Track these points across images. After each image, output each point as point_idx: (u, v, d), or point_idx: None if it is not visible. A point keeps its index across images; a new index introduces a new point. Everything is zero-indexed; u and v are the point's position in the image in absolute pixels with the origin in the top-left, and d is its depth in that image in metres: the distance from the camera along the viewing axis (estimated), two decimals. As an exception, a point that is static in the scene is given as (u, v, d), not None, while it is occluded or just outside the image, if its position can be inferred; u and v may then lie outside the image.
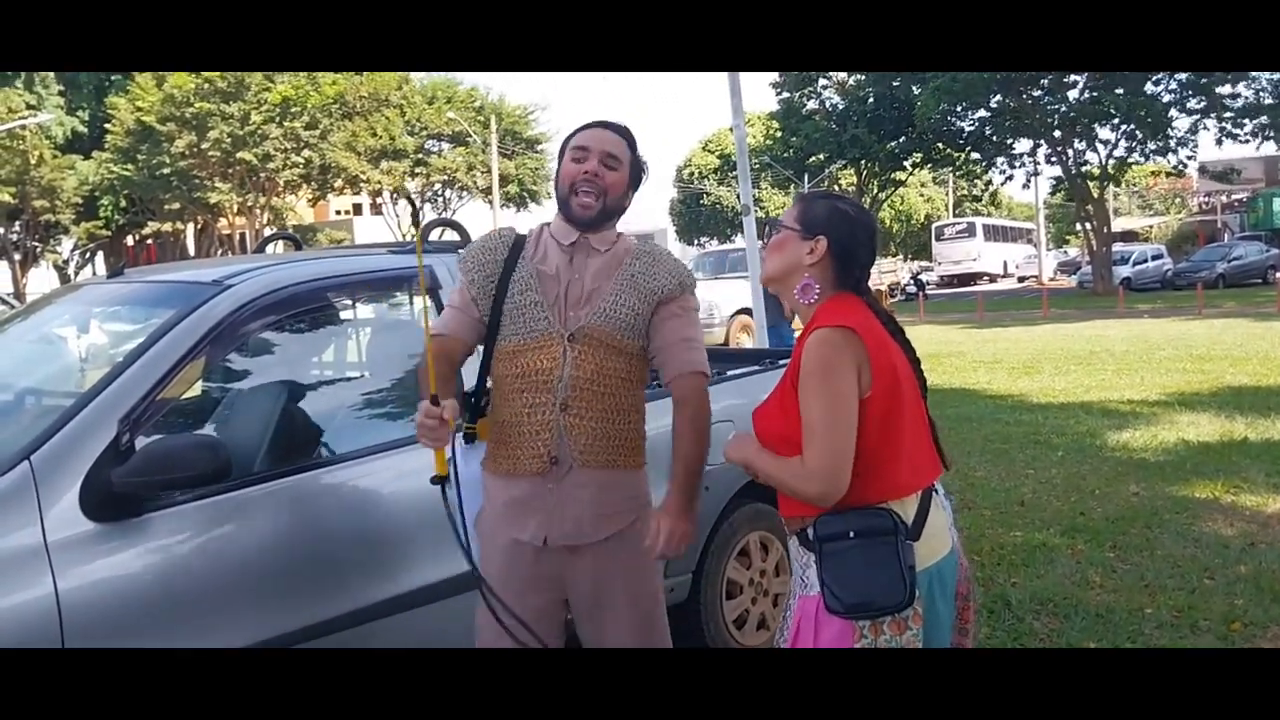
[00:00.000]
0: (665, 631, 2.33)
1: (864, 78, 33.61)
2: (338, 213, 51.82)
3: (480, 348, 2.29)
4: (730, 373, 3.68)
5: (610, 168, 2.20)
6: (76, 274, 37.21)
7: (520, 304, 2.19)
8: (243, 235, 35.93)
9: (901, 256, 51.34)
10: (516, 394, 2.17)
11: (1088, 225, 30.13)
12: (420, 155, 35.69)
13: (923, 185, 55.15)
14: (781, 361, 3.93)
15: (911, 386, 1.94)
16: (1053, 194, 33.43)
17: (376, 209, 41.28)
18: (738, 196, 7.27)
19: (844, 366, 1.82)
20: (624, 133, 2.27)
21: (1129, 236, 42.74)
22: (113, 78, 32.43)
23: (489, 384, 2.29)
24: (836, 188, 46.11)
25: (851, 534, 1.81)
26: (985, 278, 41.10)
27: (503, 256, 2.24)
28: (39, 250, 35.39)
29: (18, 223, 33.21)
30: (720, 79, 8.12)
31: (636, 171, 2.27)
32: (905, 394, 1.91)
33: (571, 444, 2.14)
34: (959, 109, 30.49)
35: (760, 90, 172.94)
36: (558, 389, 2.13)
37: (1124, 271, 29.95)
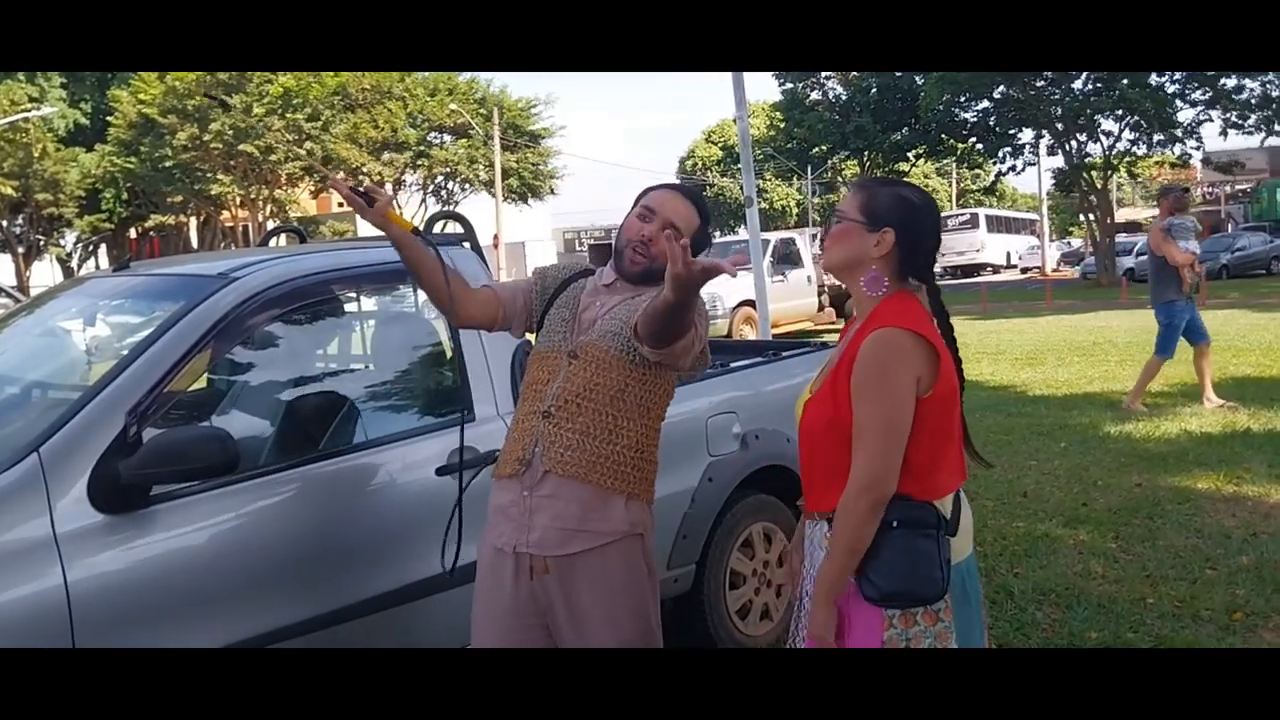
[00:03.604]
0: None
1: (867, 69, 33.49)
2: (340, 205, 51.75)
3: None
4: (734, 364, 3.69)
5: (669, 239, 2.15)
6: (80, 267, 37.25)
7: (553, 317, 2.28)
8: (245, 228, 35.95)
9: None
10: (522, 401, 2.27)
11: (1091, 216, 30.04)
12: (422, 147, 35.62)
13: (926, 177, 55.05)
14: (785, 354, 3.94)
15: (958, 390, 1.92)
16: (1055, 185, 33.27)
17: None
18: (741, 188, 7.27)
19: (902, 372, 1.80)
20: (696, 201, 2.28)
21: (1133, 227, 42.52)
22: (115, 71, 32.41)
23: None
24: (840, 179, 46.02)
25: (895, 523, 1.80)
26: (989, 269, 40.97)
27: (566, 275, 2.36)
28: (42, 243, 35.43)
29: (21, 216, 33.26)
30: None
31: (701, 243, 2.24)
32: (958, 399, 1.89)
33: (547, 450, 2.14)
34: (962, 99, 30.37)
35: (763, 81, 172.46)
36: (546, 398, 2.18)
37: (1128, 262, 29.85)
